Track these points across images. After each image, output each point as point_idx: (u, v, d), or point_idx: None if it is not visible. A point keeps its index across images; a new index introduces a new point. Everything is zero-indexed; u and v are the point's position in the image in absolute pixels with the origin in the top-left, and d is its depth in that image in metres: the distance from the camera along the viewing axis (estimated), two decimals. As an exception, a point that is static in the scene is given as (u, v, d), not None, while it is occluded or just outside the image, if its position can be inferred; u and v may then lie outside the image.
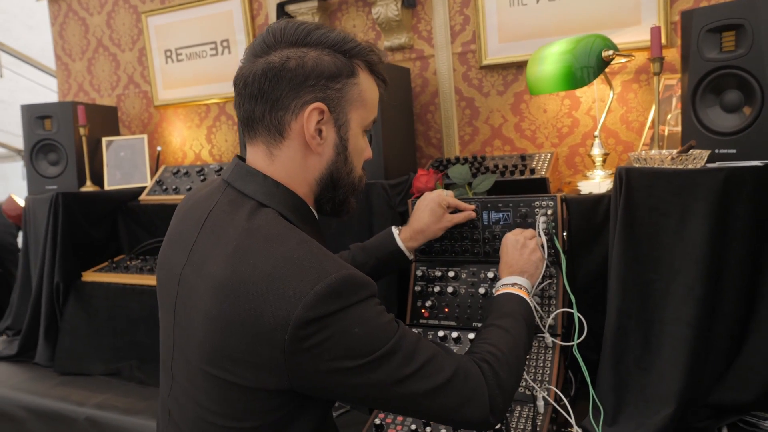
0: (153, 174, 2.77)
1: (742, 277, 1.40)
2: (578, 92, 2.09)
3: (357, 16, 2.44)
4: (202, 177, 2.57)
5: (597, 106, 2.07)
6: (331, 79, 1.06)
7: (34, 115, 2.62)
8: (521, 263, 1.44)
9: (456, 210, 1.67)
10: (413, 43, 2.35)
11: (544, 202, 1.60)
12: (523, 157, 1.92)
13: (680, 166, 1.45)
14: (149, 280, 2.27)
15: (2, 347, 2.51)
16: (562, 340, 1.55)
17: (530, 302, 1.35)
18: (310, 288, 0.92)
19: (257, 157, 1.10)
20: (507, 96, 2.21)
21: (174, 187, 2.57)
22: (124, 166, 2.74)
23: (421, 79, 2.35)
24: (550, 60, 1.78)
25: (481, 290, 1.65)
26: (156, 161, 2.83)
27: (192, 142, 2.94)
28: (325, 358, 0.94)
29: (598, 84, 2.02)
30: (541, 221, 1.56)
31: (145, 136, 2.76)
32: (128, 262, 2.47)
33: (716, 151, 1.52)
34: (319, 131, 1.07)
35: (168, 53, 2.88)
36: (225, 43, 2.73)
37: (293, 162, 1.08)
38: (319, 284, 0.92)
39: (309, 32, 1.06)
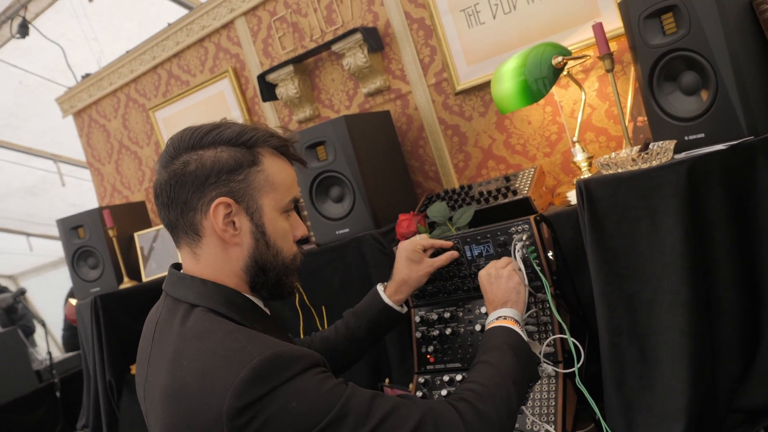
0: (184, 258, 2.89)
1: (734, 269, 1.29)
2: (557, 96, 2.02)
3: (333, 69, 2.48)
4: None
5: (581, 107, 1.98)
6: (231, 172, 1.09)
7: (68, 227, 2.82)
8: (500, 294, 1.40)
9: (439, 250, 1.65)
10: (389, 83, 2.35)
11: (519, 227, 1.55)
12: (507, 178, 1.87)
13: (645, 165, 1.36)
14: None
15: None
16: (564, 367, 1.47)
17: (519, 330, 1.31)
18: (234, 377, 0.94)
19: (185, 259, 1.14)
20: (489, 116, 2.17)
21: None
22: (158, 255, 2.89)
23: (404, 117, 2.35)
24: (506, 78, 1.74)
25: (478, 327, 1.60)
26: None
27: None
28: None
29: (573, 85, 1.94)
30: (517, 247, 1.51)
31: (172, 223, 2.90)
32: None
33: (685, 138, 1.42)
34: (233, 223, 1.10)
35: (178, 141, 3.03)
36: (224, 122, 2.85)
37: (216, 257, 1.11)
38: (243, 370, 0.94)
39: (204, 134, 1.10)
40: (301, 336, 1.82)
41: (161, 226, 2.93)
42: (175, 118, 3.01)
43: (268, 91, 2.54)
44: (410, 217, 1.79)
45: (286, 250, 1.16)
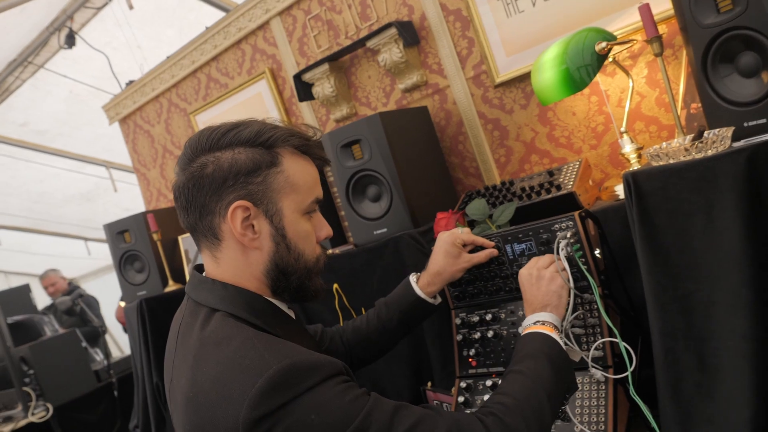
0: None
1: (802, 267, 1.18)
2: (603, 84, 1.91)
3: (369, 66, 2.44)
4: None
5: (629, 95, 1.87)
6: (250, 174, 1.05)
7: (115, 231, 2.87)
8: (540, 297, 1.33)
9: (477, 248, 1.58)
10: (426, 78, 2.29)
11: (563, 224, 1.46)
12: (550, 173, 1.78)
13: (700, 155, 1.26)
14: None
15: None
16: (615, 373, 1.38)
17: (557, 337, 1.24)
18: (251, 386, 0.91)
19: (207, 262, 1.12)
20: (531, 108, 2.08)
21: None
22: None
23: (443, 112, 2.28)
24: (547, 67, 1.65)
25: (521, 330, 1.52)
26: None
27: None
28: None
29: (620, 72, 1.83)
30: (561, 245, 1.42)
31: (215, 226, 2.92)
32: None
33: (744, 124, 1.30)
34: (252, 227, 1.06)
35: (219, 144, 3.05)
36: (262, 123, 2.84)
37: (236, 261, 1.09)
38: (260, 380, 0.91)
39: (222, 135, 1.07)
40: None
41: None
42: (214, 121, 3.02)
43: (304, 91, 2.51)
44: (449, 215, 1.73)
45: (308, 253, 1.13)
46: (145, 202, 3.59)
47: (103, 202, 7.07)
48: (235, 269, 1.09)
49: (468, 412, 1.10)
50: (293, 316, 1.18)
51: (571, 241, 1.43)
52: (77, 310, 4.93)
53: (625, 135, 1.70)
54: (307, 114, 2.70)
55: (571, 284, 1.37)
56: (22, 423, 3.52)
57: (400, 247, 1.86)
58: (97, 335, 4.83)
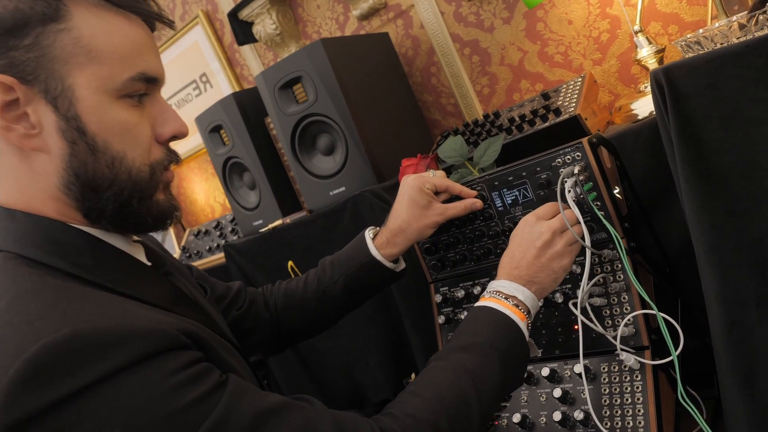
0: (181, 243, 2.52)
1: None
2: (606, -20, 1.49)
3: (317, -7, 2.00)
4: (219, 232, 2.27)
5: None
6: (10, 33, 0.65)
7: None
8: (535, 268, 0.95)
9: (455, 198, 1.19)
10: (385, 0, 1.86)
11: (568, 156, 1.06)
12: (545, 95, 1.37)
13: (763, 31, 0.85)
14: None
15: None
16: (654, 355, 1.00)
17: (525, 329, 0.90)
18: (4, 372, 0.55)
19: None
20: (516, 21, 1.65)
21: (197, 251, 2.30)
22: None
23: (409, 40, 1.86)
24: (531, -50, 1.22)
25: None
26: (181, 227, 2.59)
27: (214, 193, 2.67)
28: None
29: (627, -42, 1.41)
30: (567, 185, 1.02)
31: (164, 204, 2.52)
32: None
33: (824, -15, 0.89)
34: (26, 116, 0.68)
35: (160, 109, 2.63)
36: (204, 78, 2.42)
37: (16, 173, 0.71)
38: (17, 363, 0.54)
39: None
40: None
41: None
42: (152, 83, 2.60)
43: (243, 32, 2.08)
44: (417, 161, 1.33)
45: (133, 157, 0.72)
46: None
47: None
48: (19, 186, 0.71)
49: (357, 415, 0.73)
50: (143, 255, 0.80)
51: (581, 178, 1.03)
52: None
53: (640, 34, 1.28)
54: (252, 61, 2.27)
55: (587, 241, 0.98)
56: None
57: (361, 208, 1.46)
58: None
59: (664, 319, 0.94)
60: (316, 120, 1.55)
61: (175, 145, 0.81)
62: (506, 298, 0.91)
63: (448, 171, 1.34)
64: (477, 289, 1.21)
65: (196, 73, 2.42)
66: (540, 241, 0.96)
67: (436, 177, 1.17)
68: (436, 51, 1.80)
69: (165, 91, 2.56)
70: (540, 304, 0.96)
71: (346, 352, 1.67)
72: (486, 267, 1.21)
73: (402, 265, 1.18)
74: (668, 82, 0.86)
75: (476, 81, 1.78)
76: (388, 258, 1.14)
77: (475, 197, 1.17)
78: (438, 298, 1.27)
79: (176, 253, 2.44)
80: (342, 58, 1.53)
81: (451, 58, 1.79)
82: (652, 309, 0.95)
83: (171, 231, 2.50)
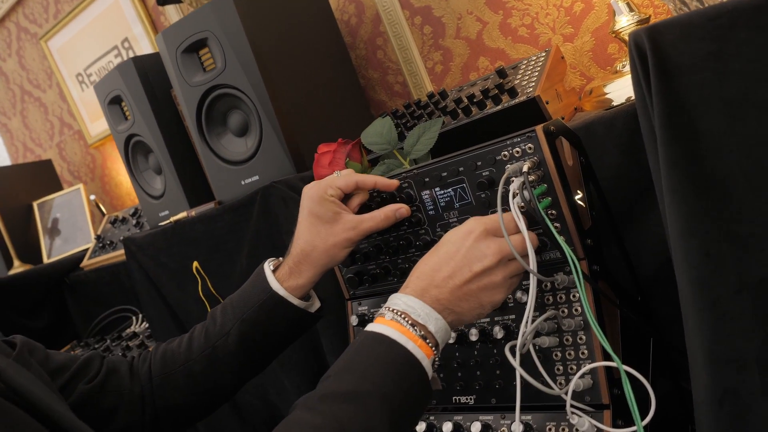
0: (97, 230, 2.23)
1: None
2: (581, -63, 1.23)
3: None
4: (136, 221, 1.98)
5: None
6: None
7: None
8: (460, 294, 0.71)
9: (378, 199, 0.93)
10: (325, -45, 1.58)
11: (516, 147, 0.80)
12: (501, 72, 1.10)
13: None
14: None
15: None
16: (613, 420, 0.75)
17: (428, 367, 0.67)
18: None
19: None
20: (475, -15, 1.39)
21: (110, 242, 2.01)
22: (65, 230, 2.22)
23: (353, 5, 1.58)
24: None
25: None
26: (101, 213, 2.29)
27: (141, 176, 2.37)
28: None
29: None
30: (513, 186, 0.76)
31: (81, 186, 2.22)
32: (81, 349, 1.94)
33: None
34: None
35: (80, 78, 2.32)
36: (126, 44, 2.11)
37: None
38: None
39: None
40: None
41: (67, 190, 2.25)
42: (69, 47, 2.28)
43: (164, -10, 1.78)
44: (335, 146, 1.06)
45: None
46: (10, 159, 2.86)
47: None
48: None
49: None
50: None
51: (531, 179, 0.77)
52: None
53: (618, 2, 1.03)
54: (179, 26, 1.97)
55: (533, 266, 0.72)
56: None
57: (271, 203, 1.19)
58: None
59: (627, 373, 0.69)
60: (225, 93, 1.27)
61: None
62: (413, 326, 0.67)
63: (375, 162, 1.08)
64: (400, 314, 0.95)
65: (117, 38, 2.11)
66: (480, 266, 0.71)
67: (341, 176, 0.90)
68: (383, 19, 1.53)
69: (82, 59, 2.25)
70: (452, 336, 0.72)
71: (261, 374, 1.40)
72: (413, 285, 0.95)
73: (316, 303, 0.91)
74: (654, 49, 0.60)
75: (428, 56, 1.52)
76: (294, 292, 0.87)
77: (399, 196, 0.91)
78: (354, 319, 1.01)
79: (91, 241, 2.15)
80: (258, 18, 1.25)
81: (399, 28, 1.52)
82: (613, 361, 0.70)
83: (87, 216, 2.20)
